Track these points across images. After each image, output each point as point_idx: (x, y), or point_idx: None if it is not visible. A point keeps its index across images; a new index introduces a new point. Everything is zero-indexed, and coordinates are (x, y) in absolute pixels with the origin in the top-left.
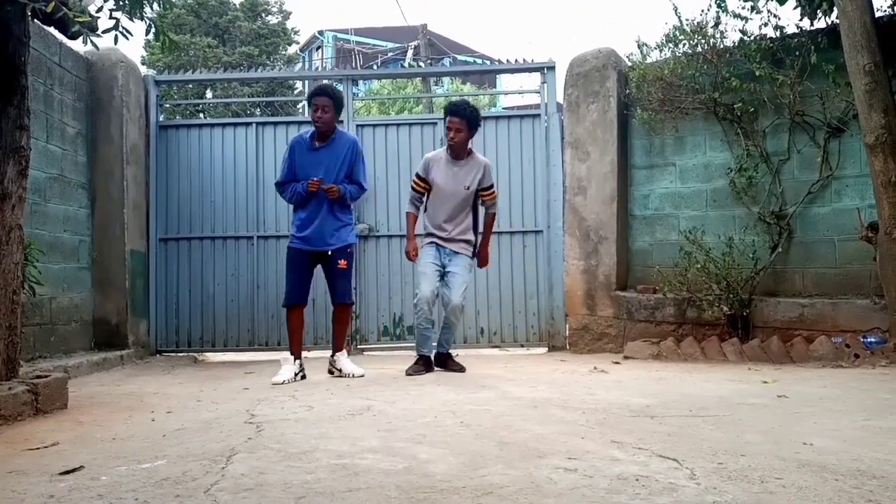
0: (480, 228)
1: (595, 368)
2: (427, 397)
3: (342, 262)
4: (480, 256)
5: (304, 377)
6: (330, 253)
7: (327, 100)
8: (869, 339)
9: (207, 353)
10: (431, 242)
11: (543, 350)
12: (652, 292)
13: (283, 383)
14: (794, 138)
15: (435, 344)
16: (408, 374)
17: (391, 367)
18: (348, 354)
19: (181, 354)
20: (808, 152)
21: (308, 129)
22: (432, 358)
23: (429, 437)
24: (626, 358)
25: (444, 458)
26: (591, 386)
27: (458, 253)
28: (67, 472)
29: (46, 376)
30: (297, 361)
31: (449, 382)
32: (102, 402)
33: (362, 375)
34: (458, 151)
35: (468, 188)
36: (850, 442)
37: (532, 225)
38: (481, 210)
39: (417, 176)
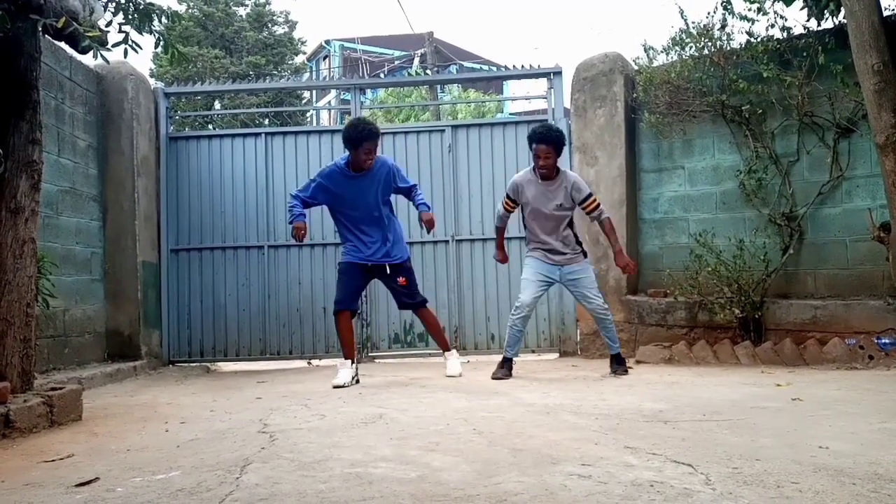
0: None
1: (607, 373)
2: (439, 405)
3: (401, 280)
4: (621, 265)
5: (357, 381)
6: (388, 270)
7: (376, 142)
8: (883, 341)
9: (220, 363)
10: (537, 253)
11: (555, 356)
12: (663, 296)
13: (344, 385)
14: (803, 139)
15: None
16: (493, 378)
17: (403, 374)
18: (358, 362)
19: (193, 364)
20: (817, 153)
21: (342, 158)
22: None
23: (442, 445)
24: (637, 362)
25: (457, 466)
26: (604, 391)
27: (572, 261)
28: (83, 484)
29: (61, 388)
30: (354, 365)
31: (461, 389)
32: (116, 413)
33: (456, 375)
34: (548, 175)
35: (561, 206)
36: (866, 445)
37: None
38: (582, 222)
39: (507, 196)
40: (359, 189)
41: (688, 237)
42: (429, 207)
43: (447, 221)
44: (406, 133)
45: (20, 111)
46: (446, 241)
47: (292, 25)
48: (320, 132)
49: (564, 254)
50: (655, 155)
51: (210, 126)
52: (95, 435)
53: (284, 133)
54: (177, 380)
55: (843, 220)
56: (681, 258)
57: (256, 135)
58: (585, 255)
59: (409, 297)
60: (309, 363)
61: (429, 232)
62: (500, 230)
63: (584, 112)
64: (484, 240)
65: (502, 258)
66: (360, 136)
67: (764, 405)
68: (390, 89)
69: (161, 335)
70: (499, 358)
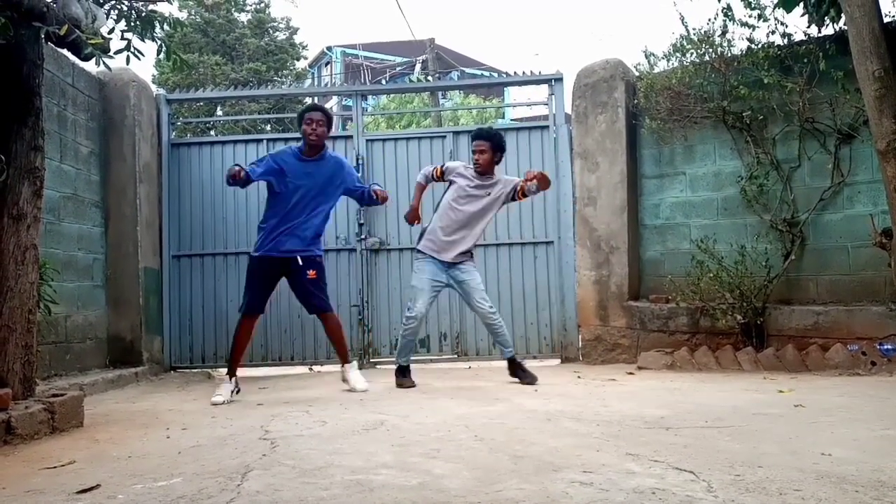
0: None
1: (609, 379)
2: (440, 411)
3: (311, 273)
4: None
5: (238, 391)
6: (301, 262)
7: (321, 115)
8: (885, 347)
9: (221, 369)
10: (429, 258)
11: (556, 362)
12: (664, 302)
13: (223, 402)
14: (804, 145)
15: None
16: (403, 387)
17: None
18: (360, 368)
19: (195, 370)
20: (818, 159)
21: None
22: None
23: (443, 452)
24: (639, 368)
25: (458, 473)
26: (605, 397)
27: (462, 261)
28: (84, 491)
29: (62, 394)
30: (234, 379)
31: (462, 396)
32: (118, 419)
33: (364, 391)
34: (484, 172)
35: (489, 194)
36: (869, 452)
37: (543, 236)
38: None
39: (441, 165)
40: (305, 174)
41: (689, 243)
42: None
43: None
44: (408, 139)
45: (23, 118)
46: None
47: (293, 31)
48: None
49: (462, 252)
50: (657, 161)
51: (212, 132)
52: (97, 441)
53: (286, 139)
54: (178, 386)
55: (845, 226)
56: (682, 264)
57: (258, 141)
58: (472, 257)
59: (319, 291)
60: (310, 369)
61: (381, 202)
62: (420, 186)
63: (586, 118)
64: (485, 245)
65: (412, 217)
66: (304, 108)
67: (766, 412)
68: (392, 95)
69: (163, 341)
70: (500, 363)
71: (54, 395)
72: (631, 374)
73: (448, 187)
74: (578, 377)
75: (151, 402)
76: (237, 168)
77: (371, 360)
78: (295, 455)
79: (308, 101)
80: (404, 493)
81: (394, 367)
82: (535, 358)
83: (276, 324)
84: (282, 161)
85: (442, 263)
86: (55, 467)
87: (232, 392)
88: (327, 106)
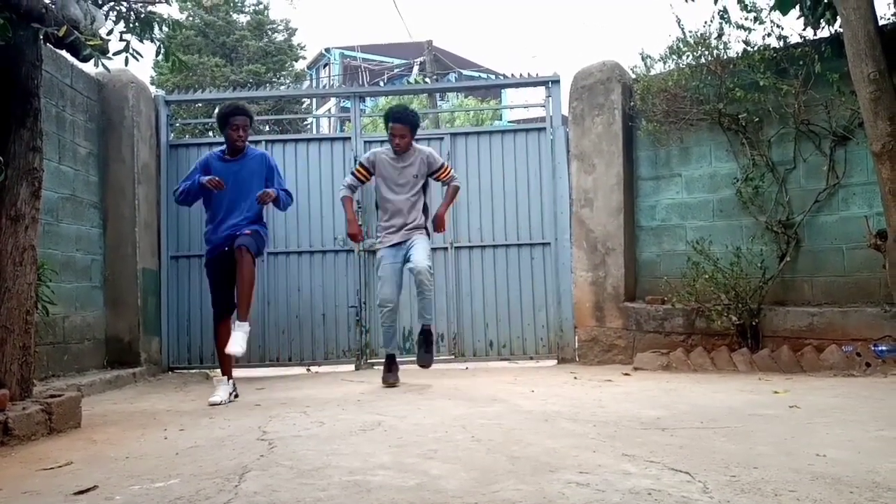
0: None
1: (605, 380)
2: (437, 412)
3: (248, 231)
4: (437, 220)
5: (236, 396)
6: (237, 246)
7: (245, 118)
8: (880, 348)
9: (219, 370)
10: (386, 240)
11: (553, 362)
12: (660, 303)
13: (220, 403)
14: (799, 147)
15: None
16: (388, 384)
17: (401, 381)
18: (357, 369)
19: (193, 371)
20: (814, 161)
21: (220, 147)
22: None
23: (440, 453)
24: (635, 369)
25: (455, 474)
26: (602, 398)
27: (411, 236)
28: (82, 492)
29: (60, 395)
30: (231, 381)
31: (459, 396)
32: (115, 420)
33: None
34: (403, 151)
35: (416, 176)
36: (864, 453)
37: (539, 237)
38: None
39: (361, 164)
40: (231, 174)
41: (685, 244)
42: (288, 194)
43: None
44: None
45: (21, 119)
46: (445, 248)
47: (292, 32)
48: (320, 140)
49: (409, 229)
50: (653, 163)
51: (210, 133)
52: (94, 442)
53: (284, 140)
54: (176, 387)
55: (840, 228)
56: (678, 265)
57: (256, 142)
58: (428, 234)
59: (250, 238)
60: (308, 370)
61: (264, 202)
62: (349, 201)
63: (582, 120)
64: (482, 247)
65: (356, 232)
66: (227, 111)
67: (761, 412)
68: (390, 97)
69: (161, 342)
70: (497, 364)
71: (52, 396)
72: (627, 374)
73: (377, 181)
74: (575, 378)
75: (149, 402)
76: (210, 179)
77: (368, 361)
78: (292, 456)
79: (307, 101)
80: (402, 493)
81: None
82: (531, 359)
83: (274, 325)
84: (205, 165)
85: (394, 246)
86: (52, 468)
87: (230, 394)
88: (325, 108)
